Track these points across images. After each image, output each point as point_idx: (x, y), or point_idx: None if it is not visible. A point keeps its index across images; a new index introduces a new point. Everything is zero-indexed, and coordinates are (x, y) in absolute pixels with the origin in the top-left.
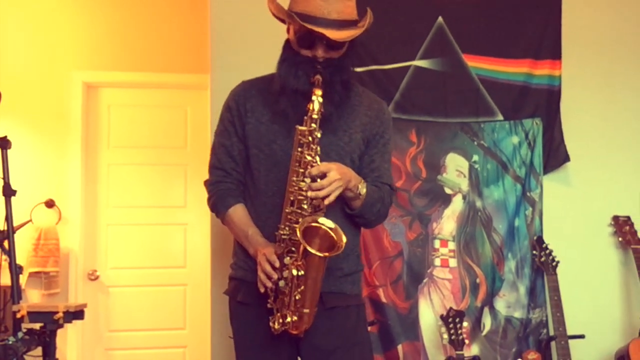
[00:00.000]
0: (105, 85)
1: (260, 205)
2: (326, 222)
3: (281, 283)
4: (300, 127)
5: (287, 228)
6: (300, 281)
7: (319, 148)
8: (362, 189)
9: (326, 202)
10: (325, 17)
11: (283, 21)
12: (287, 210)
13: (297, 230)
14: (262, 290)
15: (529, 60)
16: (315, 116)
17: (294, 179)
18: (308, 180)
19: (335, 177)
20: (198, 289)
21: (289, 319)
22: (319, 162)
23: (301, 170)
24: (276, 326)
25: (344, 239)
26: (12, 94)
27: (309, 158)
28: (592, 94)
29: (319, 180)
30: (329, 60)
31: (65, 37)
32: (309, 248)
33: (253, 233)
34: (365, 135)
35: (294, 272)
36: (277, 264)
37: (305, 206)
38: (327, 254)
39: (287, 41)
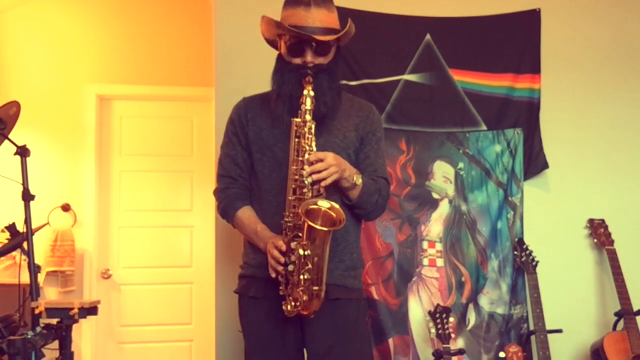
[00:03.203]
0: (117, 97)
1: (266, 204)
2: (323, 203)
3: (290, 267)
4: (295, 119)
5: (291, 215)
6: (307, 259)
7: (314, 138)
8: (358, 180)
9: (323, 184)
10: (310, 25)
11: (273, 44)
12: (290, 198)
13: (300, 211)
14: (273, 275)
15: (511, 75)
16: (307, 108)
17: (294, 167)
18: (307, 167)
19: (331, 162)
20: (203, 287)
21: (299, 302)
22: (315, 149)
23: (300, 159)
24: (289, 308)
25: (343, 214)
26: (31, 106)
27: (306, 147)
28: (569, 105)
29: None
30: (318, 66)
31: (80, 53)
32: (311, 223)
33: (261, 229)
34: (359, 134)
35: (301, 251)
36: (284, 248)
37: (306, 191)
38: (329, 228)
39: (280, 55)
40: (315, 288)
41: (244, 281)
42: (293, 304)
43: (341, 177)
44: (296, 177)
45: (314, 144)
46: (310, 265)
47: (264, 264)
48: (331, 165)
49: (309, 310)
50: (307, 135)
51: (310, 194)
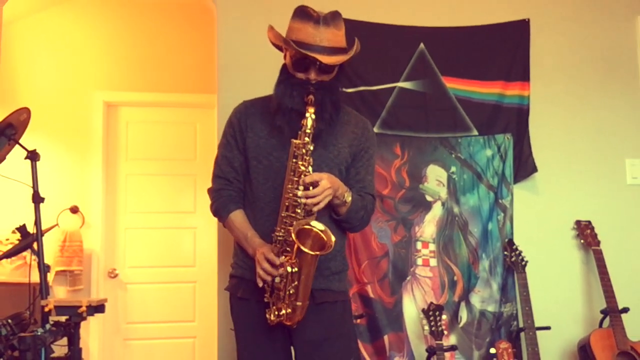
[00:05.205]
0: (123, 104)
1: (258, 210)
2: (317, 225)
3: (277, 279)
4: (295, 141)
5: (282, 230)
6: (294, 277)
7: (311, 159)
8: (348, 197)
9: (315, 208)
10: (318, 44)
11: (279, 48)
12: (282, 215)
13: (292, 231)
14: (260, 285)
15: (501, 82)
16: (308, 131)
17: (289, 186)
18: (302, 187)
19: (326, 186)
20: (206, 286)
21: (283, 312)
22: (311, 172)
23: (295, 178)
24: (272, 317)
25: (333, 239)
26: (40, 112)
27: (302, 168)
28: (557, 111)
29: (311, 188)
30: (321, 83)
31: (88, 62)
32: (302, 247)
33: (252, 235)
34: (352, 150)
35: (289, 269)
36: (277, 262)
37: (299, 210)
38: (318, 252)
39: (284, 65)
40: (299, 303)
41: (234, 281)
42: (276, 313)
43: (334, 196)
44: (290, 195)
45: (310, 167)
46: (296, 282)
47: (252, 267)
48: (326, 188)
49: (292, 321)
50: (304, 156)
51: (302, 213)
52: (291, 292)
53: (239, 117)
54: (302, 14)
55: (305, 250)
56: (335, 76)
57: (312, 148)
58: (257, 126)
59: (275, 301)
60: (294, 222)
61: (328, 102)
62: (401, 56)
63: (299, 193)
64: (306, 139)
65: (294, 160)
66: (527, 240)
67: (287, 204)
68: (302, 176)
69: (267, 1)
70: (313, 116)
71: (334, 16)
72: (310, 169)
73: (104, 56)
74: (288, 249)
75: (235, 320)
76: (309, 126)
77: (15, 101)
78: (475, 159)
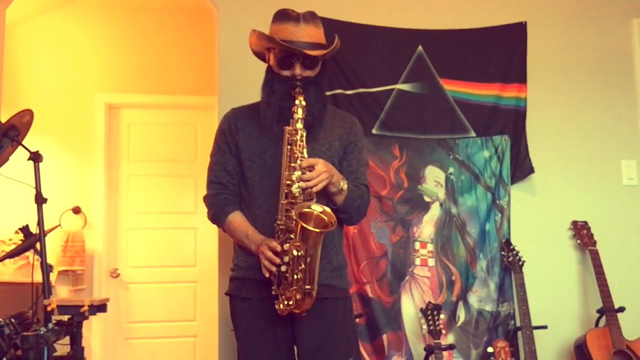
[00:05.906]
0: (125, 106)
1: (256, 209)
2: (316, 207)
3: (283, 268)
4: (288, 127)
5: (283, 218)
6: (300, 260)
7: (305, 145)
8: (344, 185)
9: (314, 190)
10: (300, 40)
11: (261, 57)
12: (282, 202)
13: (294, 212)
14: (267, 275)
15: (498, 84)
16: (300, 117)
17: (286, 173)
18: (299, 172)
19: (322, 169)
20: (207, 285)
21: (292, 300)
22: (306, 156)
23: (292, 165)
24: (281, 307)
25: (334, 217)
26: (43, 114)
27: (298, 154)
28: (553, 113)
29: (308, 172)
30: (306, 79)
31: (90, 64)
32: (305, 225)
33: (252, 232)
34: (342, 143)
35: (294, 252)
36: (279, 249)
37: (298, 195)
38: (322, 229)
39: (269, 67)
40: (308, 287)
41: (236, 283)
42: (286, 302)
43: (330, 182)
44: (288, 182)
45: (305, 151)
46: (303, 266)
47: (255, 266)
48: (322, 172)
49: (302, 308)
50: (298, 142)
51: (301, 198)
52: (299, 276)
53: (229, 123)
54: (282, 15)
55: (310, 228)
56: (320, 72)
57: (305, 134)
58: (248, 128)
59: (284, 290)
60: (294, 208)
61: (314, 96)
62: (399, 58)
63: (294, 177)
64: (298, 125)
65: (289, 146)
66: (524, 240)
67: (286, 191)
68: (298, 161)
69: (267, 3)
70: (303, 103)
71: (312, 15)
72: (305, 153)
73: (105, 58)
74: (291, 236)
75: (238, 322)
76: (300, 113)
77: (18, 103)
78: (473, 160)
